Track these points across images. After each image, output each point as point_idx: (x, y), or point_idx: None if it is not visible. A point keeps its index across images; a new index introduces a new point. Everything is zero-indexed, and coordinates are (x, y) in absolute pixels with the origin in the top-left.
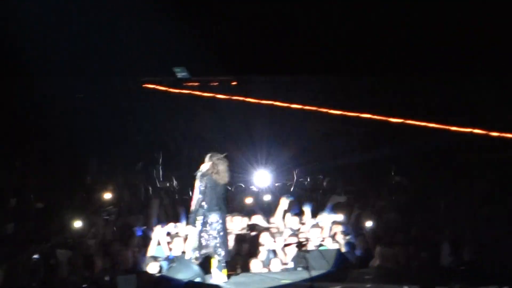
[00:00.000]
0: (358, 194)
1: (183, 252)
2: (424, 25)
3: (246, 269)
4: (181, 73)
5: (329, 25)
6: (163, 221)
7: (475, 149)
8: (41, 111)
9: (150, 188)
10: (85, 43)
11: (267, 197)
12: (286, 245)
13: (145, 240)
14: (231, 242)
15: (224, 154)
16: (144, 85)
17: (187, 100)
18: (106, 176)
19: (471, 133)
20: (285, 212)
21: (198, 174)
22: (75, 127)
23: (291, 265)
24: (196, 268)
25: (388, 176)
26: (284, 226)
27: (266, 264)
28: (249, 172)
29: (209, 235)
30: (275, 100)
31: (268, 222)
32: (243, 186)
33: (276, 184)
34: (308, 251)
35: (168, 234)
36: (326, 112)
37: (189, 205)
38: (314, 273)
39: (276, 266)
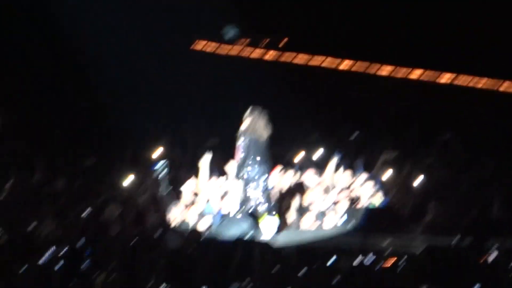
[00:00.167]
0: (408, 151)
1: (232, 209)
2: None
3: (296, 226)
4: (230, 33)
5: None
6: (213, 177)
7: None
8: (92, 69)
9: (199, 144)
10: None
11: (318, 153)
12: (336, 202)
13: (195, 196)
14: (280, 198)
15: (263, 110)
16: (194, 45)
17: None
18: (156, 131)
19: None
20: (336, 168)
21: (240, 131)
22: (124, 84)
23: (342, 222)
24: (245, 225)
25: (439, 132)
26: (335, 182)
27: (317, 221)
28: (298, 129)
29: (255, 190)
30: (324, 61)
31: (321, 177)
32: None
33: (326, 140)
34: (359, 208)
35: (218, 190)
36: (377, 70)
37: (235, 162)
38: (365, 229)
39: (327, 223)
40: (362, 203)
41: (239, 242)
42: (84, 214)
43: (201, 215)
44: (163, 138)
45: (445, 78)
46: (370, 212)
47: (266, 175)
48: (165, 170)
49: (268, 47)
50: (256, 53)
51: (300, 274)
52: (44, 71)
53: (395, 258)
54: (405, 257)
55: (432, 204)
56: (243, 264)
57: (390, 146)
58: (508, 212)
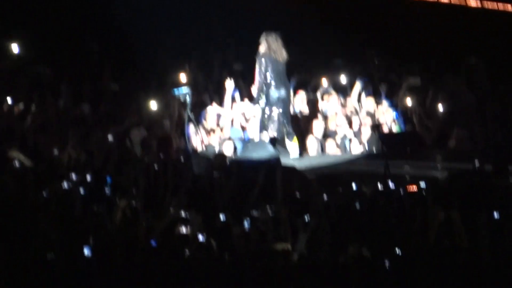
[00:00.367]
0: (433, 76)
1: (256, 133)
2: None
3: (319, 151)
4: None
5: None
6: (237, 101)
7: None
8: None
9: (224, 69)
10: None
11: (342, 78)
12: (361, 126)
13: (219, 121)
14: (303, 123)
15: (279, 34)
16: None
17: None
18: (180, 57)
19: None
20: (360, 93)
21: (258, 54)
22: (149, 10)
23: (366, 146)
24: (270, 148)
25: (464, 57)
26: (359, 107)
27: (342, 145)
28: (322, 54)
29: (277, 112)
30: None
31: (344, 103)
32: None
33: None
34: (383, 133)
35: (241, 114)
36: None
37: (255, 86)
38: (389, 154)
39: (351, 148)
40: (386, 129)
41: (262, 166)
42: (108, 140)
43: (225, 140)
44: (188, 63)
45: (475, 1)
46: (394, 138)
47: (288, 98)
48: (189, 95)
49: None
50: None
51: (322, 199)
52: None
53: (417, 184)
54: (428, 183)
55: (456, 130)
56: (265, 190)
57: (415, 72)
58: None
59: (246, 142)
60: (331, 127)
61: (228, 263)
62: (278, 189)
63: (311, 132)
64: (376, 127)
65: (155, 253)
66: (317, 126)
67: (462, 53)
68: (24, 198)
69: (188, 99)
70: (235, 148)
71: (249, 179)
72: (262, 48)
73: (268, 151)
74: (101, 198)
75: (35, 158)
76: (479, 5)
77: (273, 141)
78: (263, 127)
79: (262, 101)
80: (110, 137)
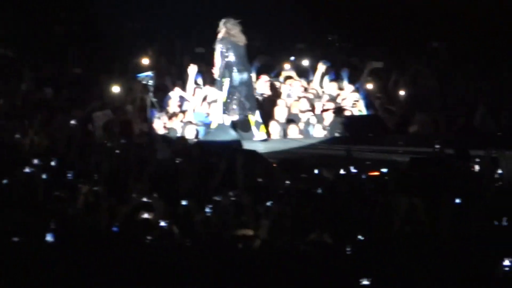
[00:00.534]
0: (396, 60)
1: (219, 117)
2: None
3: (282, 135)
4: None
5: None
6: (200, 85)
7: None
8: None
9: (187, 54)
10: None
11: (305, 62)
12: (324, 111)
13: (181, 105)
14: (266, 107)
15: (238, 20)
16: None
17: None
18: (143, 41)
19: None
20: (323, 77)
21: (216, 42)
22: None
23: (329, 131)
24: (232, 133)
25: (426, 41)
26: (322, 91)
27: (305, 130)
28: (285, 38)
29: (239, 96)
30: None
31: (307, 87)
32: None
33: (313, 49)
34: (345, 117)
35: (205, 99)
36: None
37: (216, 69)
38: (351, 138)
39: (313, 132)
40: (348, 113)
41: (223, 151)
42: (69, 124)
43: (188, 124)
44: (150, 47)
45: None
46: (356, 122)
47: (251, 82)
48: (151, 80)
49: None
50: None
51: (284, 184)
52: None
53: (380, 169)
54: (390, 168)
55: (418, 114)
56: (227, 175)
57: (377, 56)
58: (494, 122)
59: (208, 126)
60: (294, 111)
61: (190, 249)
62: (239, 175)
63: (274, 117)
64: (339, 111)
65: (117, 238)
66: (280, 111)
67: (425, 37)
68: None
69: (150, 83)
70: (197, 133)
71: (210, 164)
72: (221, 33)
73: (230, 136)
74: (64, 183)
75: None
76: None
77: (235, 125)
78: (226, 111)
79: (225, 85)
80: (73, 122)
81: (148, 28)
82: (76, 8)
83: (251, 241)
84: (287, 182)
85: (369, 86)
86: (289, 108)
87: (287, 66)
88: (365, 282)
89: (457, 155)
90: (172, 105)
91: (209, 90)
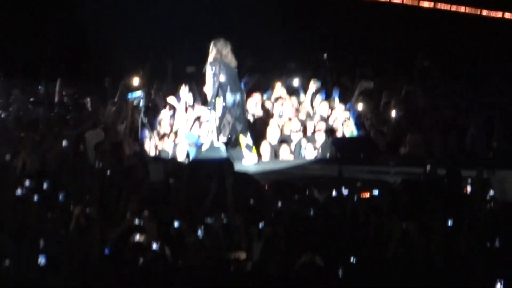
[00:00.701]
0: (387, 79)
1: (210, 138)
2: None
3: (273, 156)
4: None
5: None
6: (192, 106)
7: (507, 35)
8: None
9: (178, 73)
10: None
11: (295, 82)
12: (315, 131)
13: (173, 125)
14: (257, 127)
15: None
16: None
17: None
18: (134, 61)
19: (502, 18)
20: (314, 97)
21: (207, 63)
22: (102, 14)
23: (320, 152)
24: (224, 154)
25: (417, 61)
26: (313, 112)
27: (296, 151)
28: (276, 58)
29: (231, 117)
30: None
31: (298, 107)
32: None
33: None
34: (337, 138)
35: (196, 119)
36: None
37: (208, 90)
38: (343, 159)
39: (305, 152)
40: (340, 133)
41: (215, 173)
42: (61, 145)
43: (179, 145)
44: (141, 67)
45: (428, 2)
46: (348, 143)
47: (243, 103)
48: (142, 99)
49: None
50: None
51: (276, 206)
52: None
53: (372, 190)
54: (382, 189)
55: (410, 135)
56: (219, 197)
57: (368, 75)
58: (487, 142)
59: (200, 147)
60: (286, 132)
61: (182, 272)
62: (230, 196)
63: (265, 138)
64: (330, 132)
65: (109, 261)
66: (272, 131)
67: (416, 56)
68: None
69: (141, 103)
70: (188, 154)
71: (202, 185)
72: (212, 54)
73: (222, 157)
74: (55, 204)
75: None
76: (432, 6)
77: (227, 146)
78: (219, 132)
79: (218, 105)
80: (64, 142)
81: (138, 48)
82: (67, 27)
83: (243, 263)
84: (279, 203)
85: (361, 106)
86: (281, 128)
87: (278, 85)
88: None
89: (449, 176)
90: (163, 126)
91: (200, 111)
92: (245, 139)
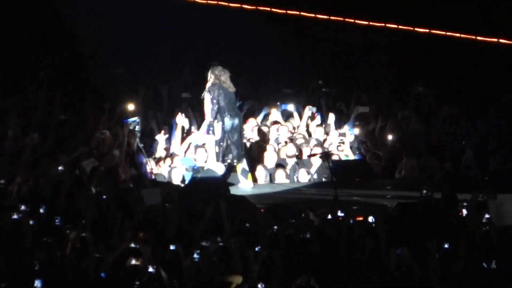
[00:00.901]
0: (382, 104)
1: (206, 162)
2: None
3: (270, 180)
4: None
5: None
6: (188, 132)
7: (502, 60)
8: (67, 23)
9: (173, 98)
10: None
11: (291, 108)
12: (311, 156)
13: (169, 150)
14: (255, 152)
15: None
16: None
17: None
18: (130, 88)
19: (497, 43)
20: (309, 122)
21: (206, 88)
22: (97, 40)
23: (316, 175)
24: (221, 178)
25: (412, 86)
26: (309, 136)
27: (292, 174)
28: (272, 83)
29: (229, 142)
30: (301, 11)
31: (294, 132)
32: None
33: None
34: (332, 162)
35: (193, 144)
36: (352, 23)
37: (206, 115)
38: (338, 183)
39: (301, 176)
40: (335, 157)
41: (211, 196)
42: (57, 170)
43: (176, 169)
44: (137, 92)
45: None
46: (343, 167)
47: (241, 128)
48: (138, 125)
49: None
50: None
51: (271, 230)
52: (19, 23)
53: (367, 214)
54: (377, 213)
55: (405, 159)
56: (215, 221)
57: (364, 101)
58: (481, 166)
59: (196, 171)
60: (282, 156)
61: None
62: (226, 220)
63: (262, 162)
64: (326, 156)
65: (106, 284)
66: (269, 156)
67: (411, 81)
68: None
69: (137, 128)
70: (184, 178)
71: (198, 209)
72: (211, 79)
73: (218, 181)
74: (52, 229)
75: None
76: (427, 31)
77: (223, 170)
78: (217, 156)
79: (217, 130)
80: (60, 167)
81: (134, 73)
82: (62, 53)
83: (240, 286)
84: (275, 227)
85: (356, 131)
86: (277, 153)
87: (273, 111)
88: None
89: (444, 200)
90: (159, 150)
91: (196, 136)
92: (241, 165)
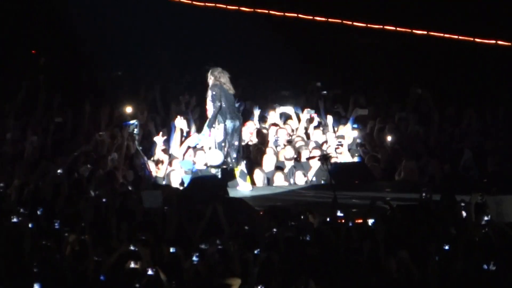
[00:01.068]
0: (380, 107)
1: (206, 164)
2: None
3: (269, 182)
4: None
5: None
6: (186, 135)
7: (500, 62)
8: (66, 25)
9: (171, 104)
10: None
11: (289, 110)
12: (309, 158)
13: (167, 152)
14: (251, 154)
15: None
16: None
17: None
18: (129, 91)
19: (495, 45)
20: (308, 124)
21: (208, 90)
22: (96, 44)
23: (314, 178)
24: (220, 180)
25: (410, 88)
26: (307, 139)
27: (290, 177)
28: (270, 85)
29: (229, 145)
30: (299, 13)
31: (292, 134)
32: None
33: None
34: (331, 164)
35: (192, 146)
36: (350, 25)
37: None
38: (337, 186)
39: (297, 179)
40: (334, 160)
41: (210, 199)
42: (55, 173)
43: (174, 171)
44: (136, 95)
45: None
46: (342, 169)
47: (241, 130)
48: (137, 127)
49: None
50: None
51: (270, 233)
52: (19, 28)
53: (366, 216)
54: (376, 215)
55: (404, 161)
56: (214, 223)
57: (362, 103)
58: (481, 167)
59: (195, 173)
60: (281, 159)
61: None
62: (224, 222)
63: (260, 164)
64: (324, 159)
65: (105, 287)
66: (268, 158)
67: (409, 83)
68: None
69: (136, 131)
70: (183, 180)
71: (197, 212)
72: (211, 80)
73: (217, 183)
74: (51, 232)
75: None
76: (425, 33)
77: (224, 172)
78: (216, 157)
79: (218, 131)
80: (59, 170)
81: (133, 76)
82: (61, 56)
83: None
84: (274, 229)
85: (355, 133)
86: (276, 155)
87: (272, 113)
88: None
89: (444, 202)
90: (158, 153)
91: (195, 138)
92: (240, 167)
